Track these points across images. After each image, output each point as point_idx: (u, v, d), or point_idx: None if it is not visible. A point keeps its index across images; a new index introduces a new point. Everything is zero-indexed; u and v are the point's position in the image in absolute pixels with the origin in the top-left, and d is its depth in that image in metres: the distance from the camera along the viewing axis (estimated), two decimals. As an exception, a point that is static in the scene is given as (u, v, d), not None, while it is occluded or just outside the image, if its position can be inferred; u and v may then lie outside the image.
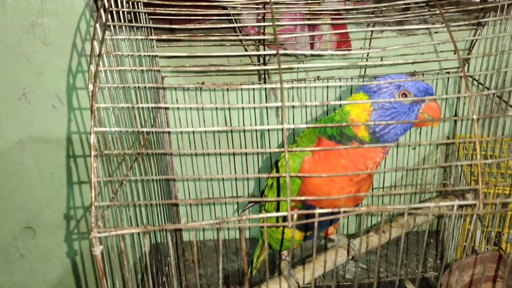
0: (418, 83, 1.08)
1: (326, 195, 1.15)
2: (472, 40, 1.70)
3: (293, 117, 1.94)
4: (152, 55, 1.35)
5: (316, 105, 1.90)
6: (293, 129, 1.82)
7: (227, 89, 1.73)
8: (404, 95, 1.08)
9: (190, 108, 1.80)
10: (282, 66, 0.87)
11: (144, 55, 1.28)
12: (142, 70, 1.29)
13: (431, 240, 2.16)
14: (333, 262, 1.31)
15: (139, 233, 0.86)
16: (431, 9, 1.43)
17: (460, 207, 1.43)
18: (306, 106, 1.86)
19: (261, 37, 1.41)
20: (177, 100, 1.82)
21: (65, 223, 2.16)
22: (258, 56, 1.72)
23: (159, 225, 1.36)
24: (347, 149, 1.10)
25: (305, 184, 1.17)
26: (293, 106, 1.85)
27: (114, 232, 0.84)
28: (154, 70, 1.38)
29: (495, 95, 1.42)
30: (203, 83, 1.70)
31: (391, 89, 1.08)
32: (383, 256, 2.08)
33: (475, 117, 0.88)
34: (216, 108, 1.81)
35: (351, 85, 1.80)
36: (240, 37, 1.48)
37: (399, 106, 1.08)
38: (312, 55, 1.78)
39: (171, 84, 1.81)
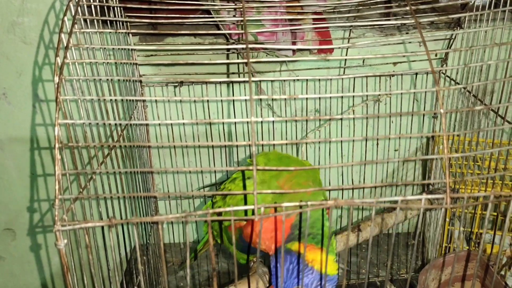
0: None
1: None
2: (450, 41, 1.71)
3: (273, 113, 1.94)
4: (128, 49, 1.35)
5: (285, 99, 1.89)
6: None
7: (206, 83, 1.73)
8: None
9: (168, 101, 1.78)
10: (252, 60, 0.87)
11: (119, 49, 1.27)
12: (117, 65, 1.29)
13: (414, 241, 2.16)
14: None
15: (107, 227, 0.85)
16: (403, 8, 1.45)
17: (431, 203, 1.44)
18: (286, 107, 1.86)
19: (236, 31, 1.41)
20: (155, 96, 1.82)
21: (46, 224, 2.14)
22: (237, 56, 1.72)
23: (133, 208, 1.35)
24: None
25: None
26: (272, 102, 1.85)
27: (78, 226, 0.83)
28: (129, 64, 1.37)
29: (471, 94, 1.43)
30: (182, 81, 1.70)
31: None
32: (364, 258, 2.08)
33: (442, 111, 0.89)
34: (195, 102, 1.80)
35: (330, 82, 1.82)
36: (220, 32, 1.48)
37: None
38: (294, 52, 1.79)
39: (148, 81, 1.81)
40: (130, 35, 1.42)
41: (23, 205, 2.11)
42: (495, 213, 1.69)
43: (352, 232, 1.39)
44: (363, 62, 1.90)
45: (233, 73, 1.84)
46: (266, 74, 1.86)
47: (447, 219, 1.77)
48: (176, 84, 1.76)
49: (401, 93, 1.74)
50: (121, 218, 1.27)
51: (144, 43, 1.69)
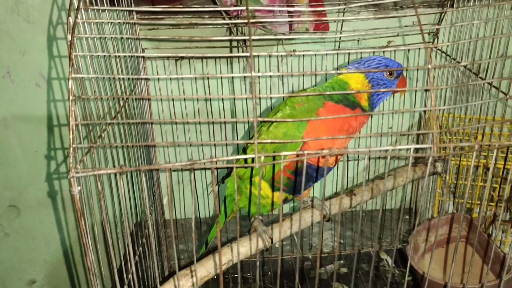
0: (396, 63, 1.39)
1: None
2: (440, 15, 1.78)
3: (270, 89, 2.00)
4: (132, 23, 1.40)
5: (292, 76, 1.96)
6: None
7: (206, 58, 1.79)
8: (390, 74, 1.37)
9: (169, 75, 1.84)
10: (253, 37, 0.93)
11: (124, 23, 1.33)
12: (122, 39, 1.35)
13: (407, 217, 2.24)
14: (304, 221, 1.37)
15: (115, 175, 0.91)
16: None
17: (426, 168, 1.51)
18: (282, 78, 1.92)
19: (235, 8, 1.46)
20: (157, 72, 1.87)
21: (49, 201, 2.19)
22: (236, 31, 1.79)
23: (139, 182, 1.41)
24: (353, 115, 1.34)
25: (308, 144, 1.30)
26: (270, 79, 1.92)
27: (91, 173, 0.89)
28: (134, 39, 1.43)
29: (461, 64, 1.50)
30: (182, 57, 1.77)
31: (381, 69, 1.36)
32: (358, 232, 2.15)
33: (430, 66, 0.95)
34: (196, 78, 1.86)
35: (326, 57, 1.89)
36: (218, 8, 1.54)
37: (388, 82, 1.38)
38: (290, 32, 1.85)
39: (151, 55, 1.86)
40: (134, 13, 1.48)
41: (27, 182, 2.16)
42: (482, 183, 1.76)
43: (347, 196, 1.46)
44: (358, 42, 1.96)
45: (232, 40, 1.87)
46: (266, 50, 1.91)
47: (438, 190, 1.84)
48: (177, 58, 1.82)
49: (394, 50, 1.80)
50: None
51: (147, 17, 1.75)
